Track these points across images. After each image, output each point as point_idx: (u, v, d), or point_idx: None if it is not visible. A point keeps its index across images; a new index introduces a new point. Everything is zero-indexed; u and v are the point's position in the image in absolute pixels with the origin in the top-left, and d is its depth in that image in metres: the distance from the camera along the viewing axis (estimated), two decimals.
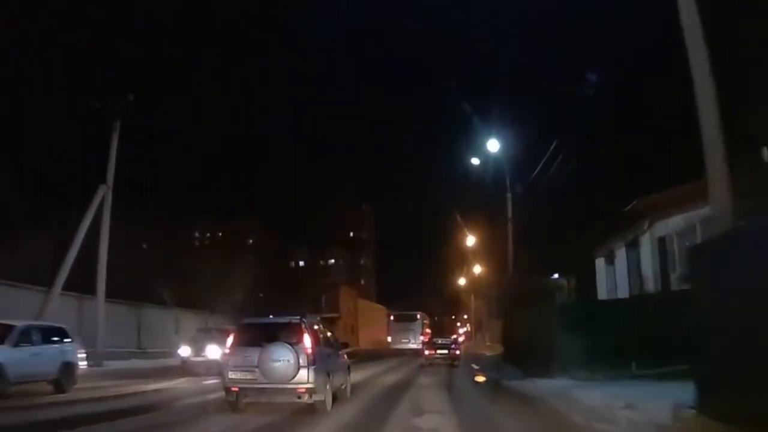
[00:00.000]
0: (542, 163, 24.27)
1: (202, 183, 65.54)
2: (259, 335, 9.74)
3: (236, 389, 9.53)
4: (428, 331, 45.34)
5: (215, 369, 16.69)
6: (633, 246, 19.66)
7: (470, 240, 52.02)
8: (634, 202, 17.80)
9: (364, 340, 51.62)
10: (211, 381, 15.52)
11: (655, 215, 17.81)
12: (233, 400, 9.61)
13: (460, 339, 34.18)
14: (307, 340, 9.52)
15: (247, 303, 30.59)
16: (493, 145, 25.98)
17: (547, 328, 13.75)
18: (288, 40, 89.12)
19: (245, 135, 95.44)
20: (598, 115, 22.28)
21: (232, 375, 9.58)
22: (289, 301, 40.74)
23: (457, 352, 26.87)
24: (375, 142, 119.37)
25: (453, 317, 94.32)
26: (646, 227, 18.45)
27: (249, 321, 10.65)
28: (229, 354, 9.85)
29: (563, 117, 23.56)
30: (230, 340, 10.07)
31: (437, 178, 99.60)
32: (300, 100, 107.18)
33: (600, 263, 23.39)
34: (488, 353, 34.79)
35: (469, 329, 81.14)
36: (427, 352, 26.48)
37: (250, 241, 70.11)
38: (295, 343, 9.43)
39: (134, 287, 25.77)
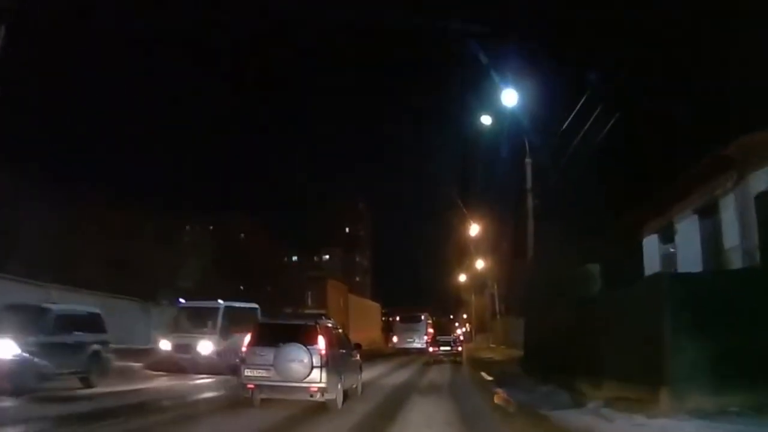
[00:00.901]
0: (569, 119, 19.20)
1: (202, 182, 64.56)
2: (276, 335, 10.09)
3: (252, 386, 9.97)
4: (431, 330, 43.33)
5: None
6: (708, 213, 14.49)
7: (473, 229, 46.94)
8: (722, 147, 12.66)
9: (356, 340, 46.67)
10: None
11: (750, 164, 12.64)
12: (249, 396, 10.02)
13: (460, 339, 35.21)
14: (321, 342, 9.92)
15: (208, 294, 25.91)
16: (510, 98, 20.49)
17: (640, 323, 7.89)
18: (288, 39, 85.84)
19: (245, 135, 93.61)
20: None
21: (248, 372, 10.00)
22: (276, 295, 36.95)
23: (459, 348, 28.23)
24: (373, 140, 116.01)
25: (452, 317, 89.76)
26: (731, 184, 13.27)
27: (266, 321, 11.50)
28: (245, 352, 10.17)
29: (602, 57, 18.28)
30: (247, 338, 10.35)
31: (436, 177, 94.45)
32: (300, 100, 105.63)
33: (650, 242, 18.19)
34: (497, 358, 29.51)
35: (468, 329, 76.63)
36: (431, 349, 28.11)
37: (242, 235, 67.23)
38: (309, 344, 9.80)
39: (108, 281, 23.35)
